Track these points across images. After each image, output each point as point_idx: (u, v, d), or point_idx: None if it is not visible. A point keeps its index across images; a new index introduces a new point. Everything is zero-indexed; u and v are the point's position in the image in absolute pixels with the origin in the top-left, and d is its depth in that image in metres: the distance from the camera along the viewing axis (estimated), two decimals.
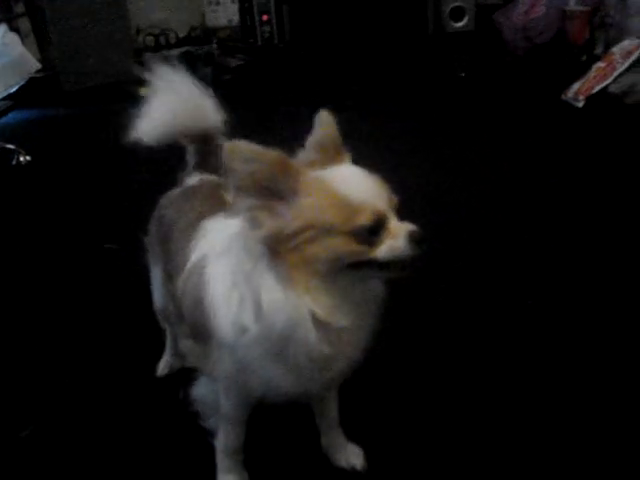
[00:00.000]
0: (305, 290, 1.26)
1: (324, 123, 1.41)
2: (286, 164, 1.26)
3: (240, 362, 1.42)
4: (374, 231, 1.25)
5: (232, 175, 1.23)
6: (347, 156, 1.41)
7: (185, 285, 1.52)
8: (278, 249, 1.25)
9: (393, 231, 1.27)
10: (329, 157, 1.36)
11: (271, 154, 1.24)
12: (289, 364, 1.36)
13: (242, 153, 1.22)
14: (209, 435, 1.75)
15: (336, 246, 1.24)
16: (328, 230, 1.24)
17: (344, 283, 1.30)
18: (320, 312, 1.28)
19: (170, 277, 1.68)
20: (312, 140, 1.40)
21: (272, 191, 1.24)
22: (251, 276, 1.30)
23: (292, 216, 1.24)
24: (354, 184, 1.28)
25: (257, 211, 1.25)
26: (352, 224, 1.23)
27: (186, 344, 1.71)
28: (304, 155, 1.38)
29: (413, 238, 1.26)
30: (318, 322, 1.29)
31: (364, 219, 1.23)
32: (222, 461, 1.76)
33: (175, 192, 1.88)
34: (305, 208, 1.24)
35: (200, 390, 1.70)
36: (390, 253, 1.27)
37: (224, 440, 1.73)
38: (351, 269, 1.28)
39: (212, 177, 1.80)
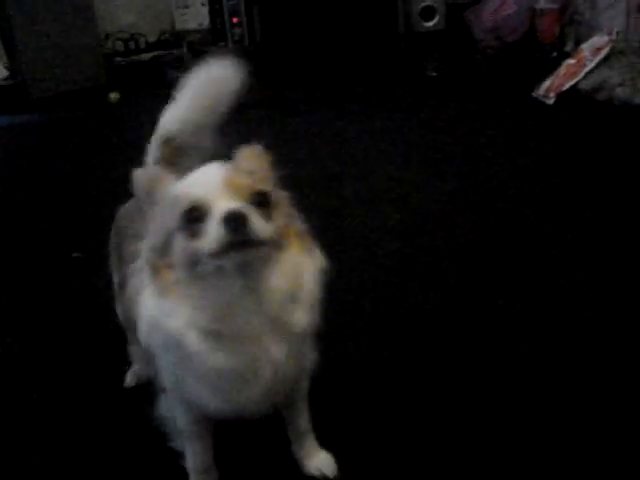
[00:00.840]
0: (182, 299, 1.25)
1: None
2: (156, 181, 1.32)
3: (172, 374, 1.41)
4: (195, 220, 1.20)
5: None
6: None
7: (130, 291, 1.49)
8: (158, 267, 1.27)
9: (214, 217, 1.19)
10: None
11: (147, 175, 1.36)
12: (202, 379, 1.34)
13: (138, 179, 1.34)
14: (179, 457, 1.70)
15: (177, 246, 1.23)
16: (169, 234, 1.24)
17: (220, 285, 1.24)
18: (199, 319, 1.25)
19: (124, 285, 1.63)
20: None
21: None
22: (143, 290, 1.33)
23: (150, 230, 1.29)
24: (189, 180, 1.27)
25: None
26: (176, 217, 1.22)
27: (135, 350, 1.69)
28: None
29: (226, 220, 1.16)
30: (207, 333, 1.26)
31: (179, 208, 1.21)
32: None
33: (131, 203, 1.87)
34: (153, 220, 1.29)
35: (161, 407, 1.65)
36: (208, 239, 1.18)
37: (192, 459, 1.67)
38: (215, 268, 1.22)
39: None
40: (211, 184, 1.22)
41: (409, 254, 2.88)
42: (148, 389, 1.79)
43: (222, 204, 1.18)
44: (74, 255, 3.05)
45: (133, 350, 2.16)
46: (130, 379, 2.18)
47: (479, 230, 3.07)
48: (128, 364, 2.20)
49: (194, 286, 1.24)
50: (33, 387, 2.23)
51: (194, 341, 1.25)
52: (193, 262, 1.21)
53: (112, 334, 2.12)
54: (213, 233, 1.17)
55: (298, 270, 1.31)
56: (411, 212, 3.31)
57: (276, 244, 1.26)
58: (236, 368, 1.29)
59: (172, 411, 1.59)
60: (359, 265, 2.77)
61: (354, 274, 2.66)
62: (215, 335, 1.26)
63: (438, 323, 2.39)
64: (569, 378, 2.05)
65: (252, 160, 1.34)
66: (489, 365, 2.15)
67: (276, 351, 1.31)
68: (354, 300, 2.49)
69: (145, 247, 1.32)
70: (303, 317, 1.32)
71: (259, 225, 1.18)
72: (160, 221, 1.27)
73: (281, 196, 1.33)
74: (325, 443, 1.83)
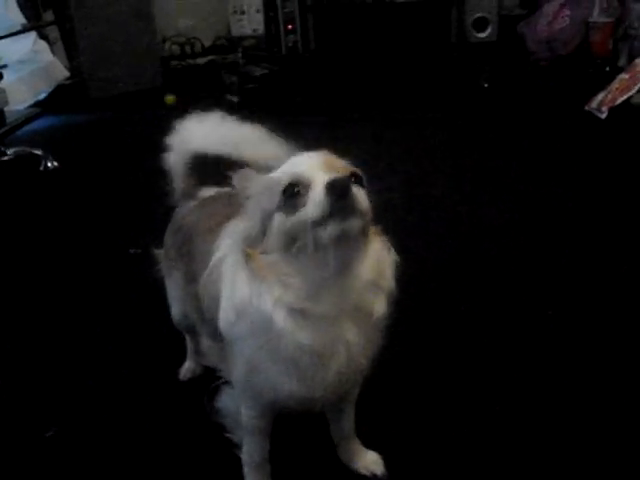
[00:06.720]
0: (273, 280, 1.33)
1: None
2: (248, 178, 1.41)
3: (248, 362, 1.47)
4: (295, 194, 1.27)
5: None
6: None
7: (205, 283, 1.56)
8: (250, 253, 1.36)
9: (316, 187, 1.25)
10: None
11: (241, 173, 1.43)
12: (283, 360, 1.40)
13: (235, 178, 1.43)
14: (235, 447, 1.77)
15: (274, 227, 1.31)
16: (265, 217, 1.33)
17: (313, 262, 1.30)
18: (290, 297, 1.33)
19: (193, 279, 1.70)
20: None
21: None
22: (232, 277, 1.41)
23: (246, 220, 1.39)
24: (287, 165, 1.34)
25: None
26: (276, 197, 1.30)
27: (206, 343, 1.76)
28: None
29: (330, 187, 1.22)
30: (295, 311, 1.34)
31: (279, 185, 1.29)
32: (249, 474, 1.76)
33: (190, 204, 1.94)
34: (250, 208, 1.38)
35: (223, 400, 1.72)
36: (311, 207, 1.24)
37: (248, 452, 1.73)
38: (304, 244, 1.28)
39: (227, 189, 1.85)
40: (311, 162, 1.31)
41: (458, 264, 2.92)
42: (203, 382, 1.87)
43: (324, 176, 1.25)
44: (131, 251, 3.13)
45: (190, 345, 2.26)
46: (184, 373, 2.27)
47: (529, 240, 3.09)
48: (183, 358, 2.29)
49: (287, 266, 1.32)
50: (92, 378, 2.32)
51: (281, 318, 1.34)
52: (291, 239, 1.29)
53: (168, 328, 2.19)
54: (316, 201, 1.23)
55: (381, 261, 1.42)
56: (462, 221, 3.35)
57: (367, 229, 1.34)
58: (316, 346, 1.37)
59: (236, 404, 1.65)
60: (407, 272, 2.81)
61: (401, 280, 2.70)
62: (301, 314, 1.34)
63: (485, 333, 2.42)
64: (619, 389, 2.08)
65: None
66: (542, 376, 2.18)
67: (351, 335, 1.40)
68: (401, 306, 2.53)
69: (237, 238, 1.42)
70: (381, 306, 1.41)
71: (360, 195, 1.27)
72: (256, 209, 1.36)
73: None
74: (370, 443, 1.88)
